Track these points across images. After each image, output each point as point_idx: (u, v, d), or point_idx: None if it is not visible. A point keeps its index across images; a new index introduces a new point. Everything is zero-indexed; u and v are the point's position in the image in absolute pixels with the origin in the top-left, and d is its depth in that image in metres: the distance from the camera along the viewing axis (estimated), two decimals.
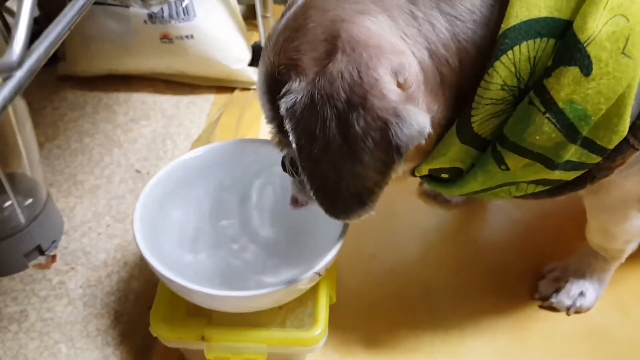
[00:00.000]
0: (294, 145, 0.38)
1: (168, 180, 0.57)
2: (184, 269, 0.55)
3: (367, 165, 0.37)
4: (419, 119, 0.36)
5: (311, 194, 0.40)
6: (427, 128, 0.36)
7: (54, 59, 0.97)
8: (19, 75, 0.24)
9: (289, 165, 0.48)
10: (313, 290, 0.53)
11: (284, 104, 0.38)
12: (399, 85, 0.36)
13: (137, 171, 0.81)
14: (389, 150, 0.36)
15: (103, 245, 0.70)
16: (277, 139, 0.45)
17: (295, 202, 0.51)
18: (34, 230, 0.65)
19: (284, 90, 0.38)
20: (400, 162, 0.37)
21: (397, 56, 0.36)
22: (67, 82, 0.96)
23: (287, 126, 0.38)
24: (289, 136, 0.39)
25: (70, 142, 0.86)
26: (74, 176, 0.79)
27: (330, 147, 0.37)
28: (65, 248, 0.69)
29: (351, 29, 0.37)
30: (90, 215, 0.73)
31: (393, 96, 0.35)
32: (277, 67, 0.39)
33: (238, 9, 0.96)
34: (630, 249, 0.59)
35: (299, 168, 0.40)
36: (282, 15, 0.42)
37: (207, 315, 0.53)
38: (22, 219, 0.64)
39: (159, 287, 0.55)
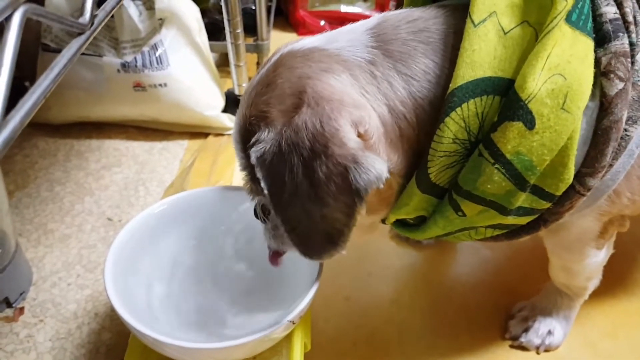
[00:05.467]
0: (265, 191, 0.40)
1: (140, 230, 0.56)
2: (156, 320, 0.54)
3: (332, 208, 0.39)
4: (376, 165, 0.38)
5: (285, 236, 0.42)
6: (385, 173, 0.39)
7: None
8: None
9: (260, 212, 0.49)
10: (287, 339, 0.53)
11: (254, 153, 0.40)
12: (360, 135, 0.39)
13: (109, 219, 0.80)
14: (350, 194, 0.38)
15: (73, 296, 0.68)
16: (249, 186, 0.47)
17: (274, 259, 0.52)
18: (2, 283, 0.64)
19: (253, 139, 0.41)
20: (362, 204, 0.39)
21: (358, 109, 0.39)
22: (39, 129, 0.95)
23: (258, 174, 0.40)
24: (260, 184, 0.41)
25: (40, 190, 0.85)
26: (44, 225, 0.78)
27: (298, 192, 0.39)
28: (33, 299, 0.67)
29: (316, 85, 0.39)
30: (61, 265, 0.72)
31: (352, 144, 0.38)
32: (249, 118, 0.42)
33: (211, 57, 0.98)
34: (592, 285, 0.61)
35: (272, 212, 0.41)
36: (258, 72, 0.45)
37: None
38: None
39: (130, 339, 0.54)
